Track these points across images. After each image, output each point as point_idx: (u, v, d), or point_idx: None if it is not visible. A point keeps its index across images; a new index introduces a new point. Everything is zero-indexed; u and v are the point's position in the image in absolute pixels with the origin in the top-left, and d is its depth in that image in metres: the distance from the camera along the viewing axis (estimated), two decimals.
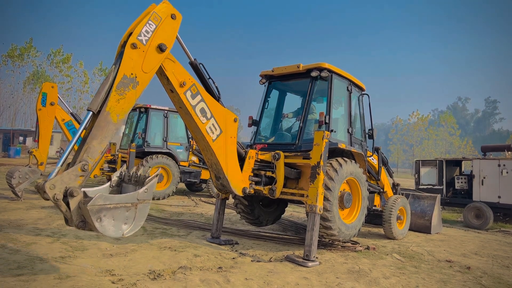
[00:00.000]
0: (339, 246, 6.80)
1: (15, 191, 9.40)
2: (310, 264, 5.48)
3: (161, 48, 4.53)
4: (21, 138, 46.32)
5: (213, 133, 5.41)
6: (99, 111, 4.02)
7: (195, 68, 5.46)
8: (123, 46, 4.29)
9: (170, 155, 13.04)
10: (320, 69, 6.56)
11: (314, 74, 6.55)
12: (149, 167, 12.16)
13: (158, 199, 12.35)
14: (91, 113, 4.01)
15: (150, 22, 4.49)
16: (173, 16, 4.75)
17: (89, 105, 4.08)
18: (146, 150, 12.56)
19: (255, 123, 7.36)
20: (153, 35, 4.49)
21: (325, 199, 5.81)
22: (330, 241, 6.81)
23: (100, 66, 63.19)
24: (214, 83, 5.64)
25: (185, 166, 13.80)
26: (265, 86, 7.47)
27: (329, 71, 6.63)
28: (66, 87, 59.61)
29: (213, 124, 5.40)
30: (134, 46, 4.29)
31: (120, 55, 4.29)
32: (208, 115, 5.34)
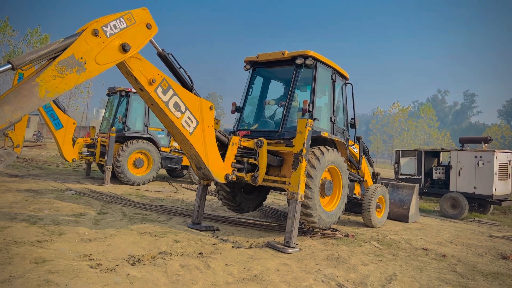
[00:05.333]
0: (319, 233, 6.87)
1: None
2: (290, 250, 5.53)
3: (124, 48, 4.30)
4: None
5: (189, 126, 5.26)
6: (25, 79, 3.59)
7: (164, 59, 5.23)
8: (84, 30, 4.02)
9: (151, 140, 12.87)
10: (305, 57, 6.53)
11: (299, 61, 6.52)
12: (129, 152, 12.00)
13: (139, 184, 12.21)
14: (9, 65, 3.47)
15: (121, 19, 4.30)
16: (148, 26, 4.59)
17: (13, 58, 3.55)
18: (126, 134, 12.35)
19: (238, 109, 7.31)
20: (120, 32, 4.28)
21: (307, 186, 5.84)
22: (310, 228, 6.87)
23: None
24: (185, 72, 5.44)
25: (166, 152, 13.67)
26: (249, 72, 7.41)
27: (314, 59, 6.61)
28: None
29: (188, 117, 5.24)
30: (95, 32, 4.04)
31: (77, 34, 3.98)
32: (183, 109, 5.17)
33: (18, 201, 7.54)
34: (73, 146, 12.23)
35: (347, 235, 7.02)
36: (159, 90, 4.87)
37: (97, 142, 12.75)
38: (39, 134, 36.51)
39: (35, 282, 3.58)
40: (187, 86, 5.43)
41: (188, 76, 5.48)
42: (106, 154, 11.72)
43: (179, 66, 5.38)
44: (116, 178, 12.24)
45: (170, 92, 5.00)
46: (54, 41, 3.89)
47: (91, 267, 4.16)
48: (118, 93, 13.04)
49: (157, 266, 4.43)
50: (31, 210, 6.86)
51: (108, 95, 13.95)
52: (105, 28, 4.14)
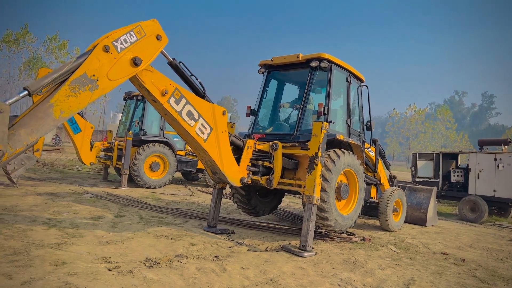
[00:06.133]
0: (335, 237, 6.82)
1: (11, 177, 9.35)
2: (306, 254, 5.50)
3: (135, 62, 4.31)
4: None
5: (203, 133, 5.28)
6: (40, 101, 3.62)
7: (175, 68, 5.25)
8: (95, 46, 4.03)
9: (166, 143, 12.98)
10: (320, 60, 6.51)
11: (313, 64, 6.50)
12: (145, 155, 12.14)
13: (155, 187, 12.33)
14: (25, 92, 3.49)
15: (131, 33, 4.31)
16: (158, 37, 4.60)
17: (28, 84, 3.57)
18: (142, 138, 12.49)
19: (253, 113, 7.32)
20: (131, 46, 4.29)
21: (322, 190, 5.81)
22: (326, 232, 6.83)
23: None
24: (197, 79, 5.47)
25: (181, 155, 13.77)
26: (263, 75, 7.42)
27: (329, 61, 6.58)
28: None
29: (202, 124, 5.25)
30: (106, 49, 4.05)
31: (88, 52, 4.01)
32: (196, 116, 5.18)
33: (38, 204, 7.70)
34: (91, 150, 12.42)
35: (363, 239, 6.95)
36: (172, 100, 4.88)
37: (114, 146, 12.92)
38: (57, 138, 37.19)
39: (55, 284, 3.64)
40: (199, 93, 5.47)
41: (200, 83, 5.51)
42: (123, 157, 11.88)
43: (190, 74, 5.41)
44: (132, 181, 12.38)
45: (183, 101, 5.02)
46: (67, 61, 3.95)
47: (109, 270, 4.22)
48: (134, 98, 13.21)
49: (174, 269, 4.46)
50: (51, 213, 6.99)
51: (124, 99, 14.14)
52: (115, 43, 4.14)
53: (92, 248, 5.03)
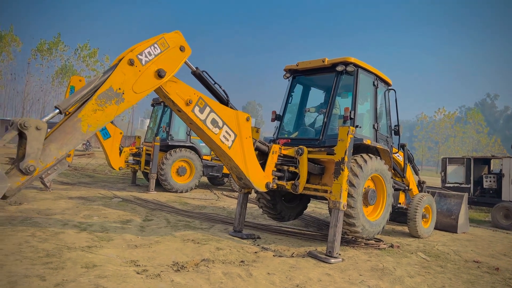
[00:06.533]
0: (362, 244, 6.71)
1: (44, 181, 9.68)
2: (332, 260, 5.44)
3: (159, 74, 4.39)
4: (48, 130, 47.63)
5: (227, 140, 5.32)
6: (68, 116, 3.74)
7: (199, 77, 5.31)
8: (120, 60, 4.14)
9: (193, 148, 13.14)
10: (346, 64, 6.46)
11: (339, 68, 6.45)
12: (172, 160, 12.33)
13: (181, 192, 12.49)
14: (57, 110, 3.65)
15: (155, 45, 4.39)
16: (181, 48, 4.66)
17: (58, 103, 3.74)
18: (170, 143, 12.69)
19: (278, 117, 7.33)
20: (155, 59, 4.36)
21: (349, 195, 5.74)
22: (353, 238, 6.74)
23: None
24: (220, 87, 5.53)
25: (207, 160, 13.90)
26: (289, 80, 7.42)
27: (355, 65, 6.52)
28: None
29: (226, 132, 5.30)
30: (131, 62, 4.14)
31: (113, 67, 4.12)
32: (220, 124, 5.22)
33: (69, 208, 7.94)
34: (120, 155, 12.72)
35: (392, 246, 6.81)
36: (196, 109, 4.95)
37: (142, 151, 13.19)
38: (88, 143, 38.28)
39: (86, 286, 3.74)
40: (223, 100, 5.52)
41: (223, 90, 5.57)
42: (150, 162, 12.11)
43: (214, 82, 5.46)
44: (160, 185, 12.59)
45: (207, 109, 5.07)
46: (94, 78, 4.06)
47: (138, 273, 4.30)
48: (162, 104, 13.46)
49: (200, 273, 4.50)
50: (82, 216, 7.19)
51: (152, 105, 14.42)
52: (140, 57, 4.23)
53: (121, 251, 5.14)
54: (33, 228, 5.89)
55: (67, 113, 3.78)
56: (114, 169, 12.65)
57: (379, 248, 6.61)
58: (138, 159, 13.41)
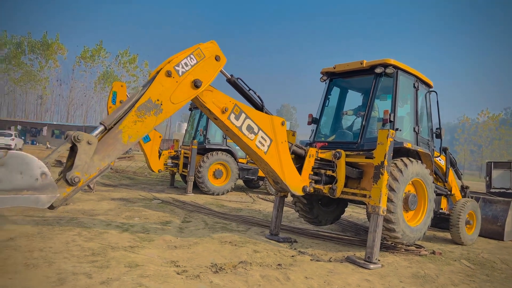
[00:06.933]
0: (402, 250, 6.54)
1: (88, 183, 10.09)
2: (372, 266, 5.33)
3: (196, 84, 4.47)
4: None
5: (263, 145, 5.34)
6: (110, 128, 3.90)
7: (234, 84, 5.36)
8: (158, 72, 4.26)
9: (229, 152, 13.29)
10: (385, 66, 6.34)
11: (378, 70, 6.34)
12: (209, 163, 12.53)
13: (218, 194, 12.66)
14: (102, 127, 3.84)
15: (192, 56, 4.48)
16: (217, 58, 4.73)
17: (103, 119, 3.92)
18: (207, 146, 12.91)
19: (314, 121, 7.28)
20: (191, 69, 4.45)
21: (389, 200, 5.61)
22: (393, 244, 6.57)
23: None
24: (255, 93, 5.56)
25: (243, 163, 14.01)
26: (325, 83, 7.36)
27: (395, 67, 6.39)
28: (132, 86, 63.04)
29: (262, 137, 5.32)
30: (168, 73, 4.26)
31: (152, 79, 4.25)
32: (256, 130, 5.26)
33: (112, 209, 8.24)
34: (159, 158, 13.07)
35: (433, 252, 6.59)
36: (232, 116, 5.02)
37: (180, 154, 13.49)
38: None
39: (129, 285, 3.87)
40: (258, 106, 5.56)
41: (258, 96, 5.61)
42: (188, 165, 12.36)
43: (248, 89, 5.51)
44: (197, 188, 12.81)
45: (242, 116, 5.13)
46: (135, 92, 4.23)
47: (178, 273, 4.40)
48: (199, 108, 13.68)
49: (238, 275, 4.55)
50: (123, 217, 7.45)
51: (190, 109, 14.72)
52: (177, 68, 4.35)
53: (162, 252, 5.28)
54: (79, 227, 6.16)
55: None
56: (153, 171, 13.01)
57: (420, 255, 6.41)
58: (176, 162, 13.72)
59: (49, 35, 63.26)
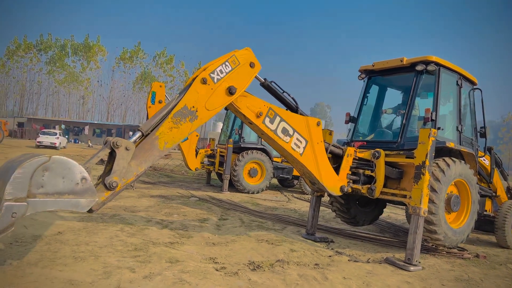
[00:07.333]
0: (444, 252, 6.34)
1: None
2: (412, 268, 5.21)
3: (230, 91, 4.51)
4: (130, 133, 51.22)
5: (299, 147, 5.31)
6: (148, 134, 4.00)
7: (268, 88, 5.34)
8: (194, 79, 4.34)
9: (264, 151, 13.35)
10: (427, 63, 6.16)
11: (419, 68, 6.17)
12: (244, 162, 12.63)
13: (253, 193, 12.75)
14: (139, 133, 3.94)
15: (227, 63, 4.52)
16: (251, 64, 4.75)
17: (141, 125, 4.04)
18: (242, 145, 13.02)
19: (352, 119, 7.18)
20: (226, 76, 4.49)
21: (430, 201, 5.46)
22: (434, 246, 6.39)
23: (199, 65, 67.04)
24: (289, 95, 5.51)
25: (278, 162, 14.03)
26: (364, 81, 7.24)
27: (437, 64, 6.20)
28: (169, 86, 64.44)
29: (297, 139, 5.29)
30: (204, 81, 4.32)
31: (188, 86, 4.33)
32: (291, 132, 5.24)
33: (151, 206, 8.48)
34: (196, 156, 13.32)
35: (477, 256, 6.35)
36: (267, 120, 5.03)
37: (216, 152, 13.68)
38: None
39: (171, 280, 3.99)
40: (292, 108, 5.52)
41: (292, 98, 5.56)
42: (224, 163, 12.52)
43: (282, 91, 5.48)
44: (232, 186, 12.96)
45: (277, 119, 5.12)
46: (171, 99, 4.33)
47: (216, 270, 4.48)
48: None
49: (276, 273, 4.57)
50: (163, 214, 7.65)
51: (225, 109, 14.88)
52: (212, 75, 4.41)
53: (200, 248, 5.39)
54: (121, 223, 6.39)
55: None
56: (190, 169, 13.27)
57: (462, 258, 6.20)
58: (212, 160, 13.94)
59: (90, 38, 65.83)
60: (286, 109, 5.49)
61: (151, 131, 4.03)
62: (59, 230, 5.52)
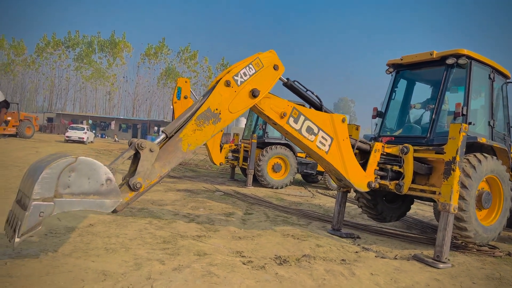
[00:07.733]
0: (474, 250, 6.20)
1: None
2: (441, 265, 5.12)
3: (253, 94, 4.49)
4: (155, 128, 52.15)
5: (324, 145, 5.26)
6: (172, 136, 4.04)
7: (291, 87, 5.31)
8: (218, 81, 4.35)
9: (288, 146, 13.33)
10: (457, 56, 6.01)
11: (450, 61, 6.02)
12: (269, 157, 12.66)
13: (277, 188, 12.77)
14: (164, 135, 4.00)
15: (250, 66, 4.51)
16: (275, 67, 4.72)
17: (165, 127, 4.08)
18: (266, 141, 13.05)
19: (380, 114, 7.08)
20: (249, 79, 4.48)
21: (461, 197, 5.34)
22: (464, 243, 6.25)
23: (222, 61, 67.40)
24: (313, 93, 5.46)
25: (302, 157, 13.98)
26: (392, 75, 7.12)
27: (468, 57, 6.03)
28: (193, 82, 65.07)
29: (322, 137, 5.23)
30: (227, 83, 4.33)
31: (211, 88, 4.34)
32: (315, 130, 5.18)
33: (178, 200, 8.62)
34: (221, 151, 13.43)
35: (509, 254, 6.18)
36: (291, 120, 4.99)
37: (240, 147, 13.76)
38: None
39: (200, 272, 4.06)
40: (316, 106, 5.48)
41: (316, 96, 5.52)
42: (248, 158, 12.58)
43: (305, 90, 5.44)
44: (256, 181, 13.01)
45: (301, 118, 5.07)
46: (195, 101, 4.36)
47: (243, 263, 4.53)
48: None
49: (303, 268, 4.58)
50: (189, 208, 7.77)
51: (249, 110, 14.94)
52: (236, 78, 4.41)
53: (227, 242, 5.45)
54: (149, 217, 6.53)
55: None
56: (215, 164, 13.40)
57: (494, 256, 6.05)
58: (236, 155, 14.03)
59: (116, 34, 67.05)
60: (310, 107, 5.46)
61: (175, 133, 4.07)
62: (90, 223, 5.69)
